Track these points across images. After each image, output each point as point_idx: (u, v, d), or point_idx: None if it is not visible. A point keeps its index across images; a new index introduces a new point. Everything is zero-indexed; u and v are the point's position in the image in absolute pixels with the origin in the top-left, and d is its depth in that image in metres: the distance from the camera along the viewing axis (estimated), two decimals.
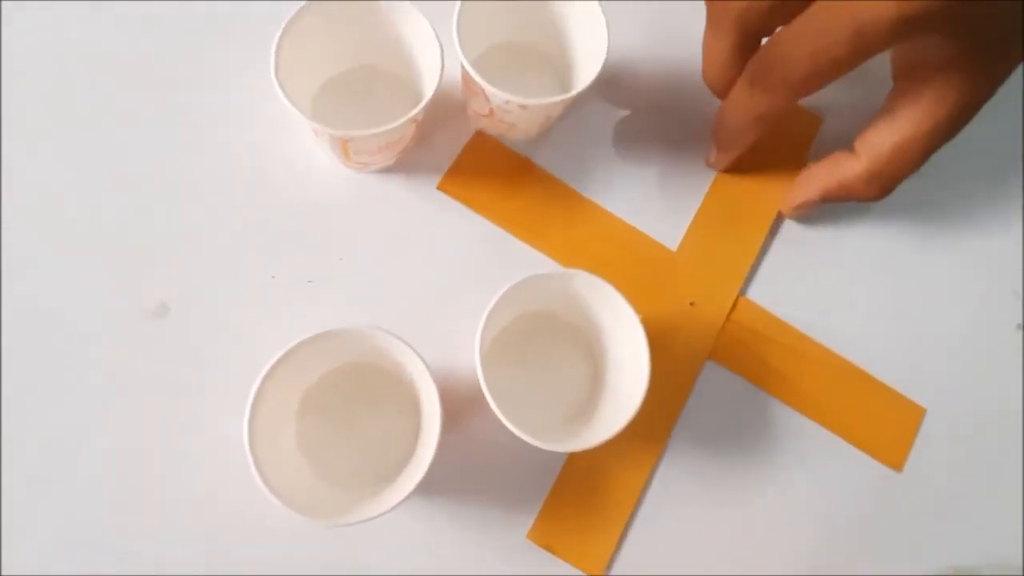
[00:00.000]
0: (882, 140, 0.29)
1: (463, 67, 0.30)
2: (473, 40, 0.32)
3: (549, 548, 0.30)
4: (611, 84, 0.36)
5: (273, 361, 0.25)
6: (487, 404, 0.26)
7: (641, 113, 0.36)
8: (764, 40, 0.28)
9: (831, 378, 0.33)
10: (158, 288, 0.31)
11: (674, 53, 0.37)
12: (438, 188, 0.33)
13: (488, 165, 0.33)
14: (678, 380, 0.32)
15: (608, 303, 0.28)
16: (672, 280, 0.33)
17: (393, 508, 0.24)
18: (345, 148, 0.30)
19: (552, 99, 0.30)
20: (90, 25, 0.34)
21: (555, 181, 0.34)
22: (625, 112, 0.36)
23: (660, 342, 0.31)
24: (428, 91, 0.29)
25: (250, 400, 0.25)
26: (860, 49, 0.24)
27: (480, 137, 0.33)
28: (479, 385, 0.26)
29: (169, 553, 0.29)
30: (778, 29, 0.27)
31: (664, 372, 0.31)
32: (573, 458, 0.31)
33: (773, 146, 0.34)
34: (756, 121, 0.29)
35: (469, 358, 0.27)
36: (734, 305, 0.33)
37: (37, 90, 0.33)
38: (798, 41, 0.25)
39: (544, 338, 0.32)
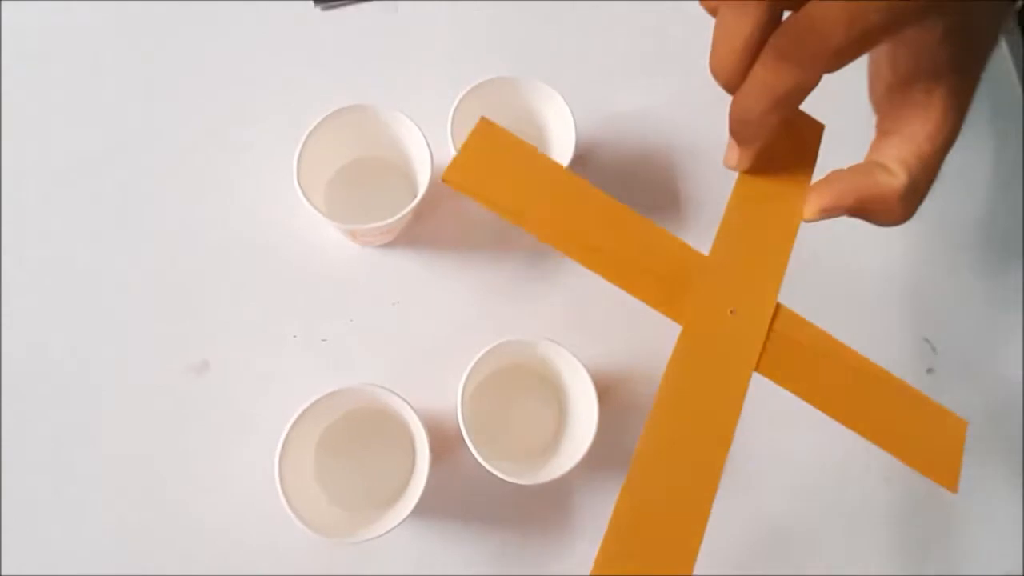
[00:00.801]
0: (910, 155, 0.27)
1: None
2: (465, 126, 0.38)
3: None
4: (584, 160, 0.43)
5: (297, 414, 0.31)
6: (475, 456, 0.32)
7: (614, 184, 0.43)
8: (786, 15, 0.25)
9: (873, 390, 0.30)
10: (200, 348, 0.37)
11: (631, 137, 0.43)
12: (443, 180, 0.26)
13: (497, 155, 0.28)
14: (727, 395, 0.28)
15: (567, 362, 0.35)
16: (709, 286, 0.29)
17: (391, 530, 0.31)
18: (353, 234, 0.36)
19: None
20: (151, 118, 0.41)
21: (580, 182, 0.28)
22: (600, 185, 0.42)
23: (701, 353, 0.28)
24: (422, 184, 0.36)
25: (279, 444, 0.31)
26: (896, 15, 0.22)
27: (486, 124, 0.28)
28: (464, 434, 0.32)
29: (203, 566, 0.35)
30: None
31: (708, 387, 0.28)
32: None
33: (780, 153, 0.31)
34: (782, 102, 0.25)
35: (456, 404, 0.34)
36: (775, 314, 0.29)
37: (105, 174, 0.40)
38: (832, 8, 0.23)
39: (517, 387, 0.38)
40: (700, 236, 0.44)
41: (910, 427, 0.30)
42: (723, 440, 0.27)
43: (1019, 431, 0.43)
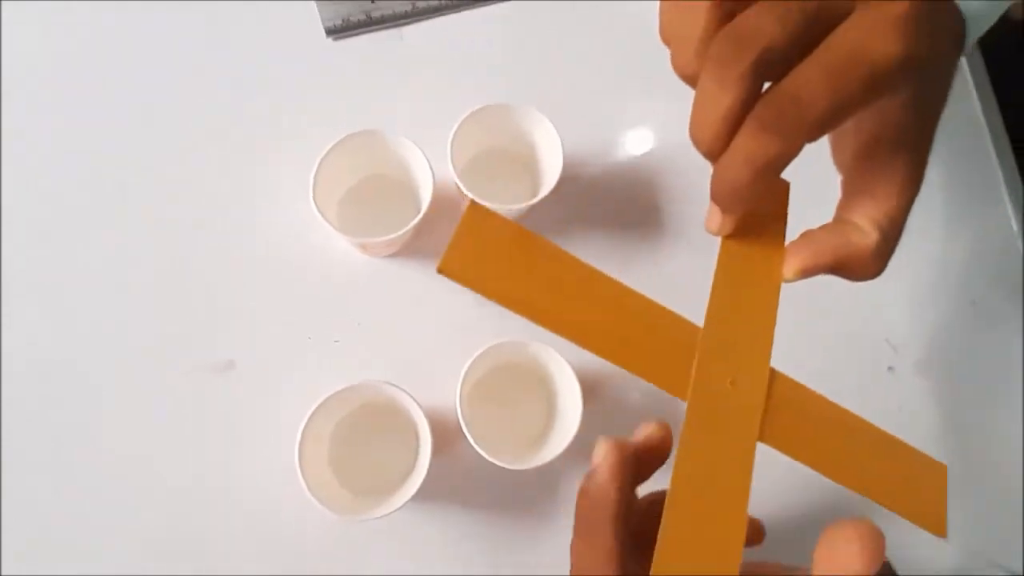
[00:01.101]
0: (880, 215, 0.28)
1: (455, 179, 0.40)
2: (464, 150, 0.42)
3: None
4: (573, 178, 0.47)
5: (314, 407, 0.36)
6: (472, 443, 0.36)
7: (600, 202, 0.47)
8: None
9: (861, 446, 0.30)
10: (226, 349, 0.41)
11: (617, 156, 0.47)
12: (439, 271, 0.26)
13: (490, 241, 0.27)
14: (738, 467, 0.27)
15: (556, 362, 0.39)
16: (706, 359, 0.28)
17: (396, 511, 0.35)
18: (363, 246, 0.40)
19: (520, 205, 0.40)
20: (182, 144, 0.45)
21: (568, 255, 0.28)
22: (587, 203, 0.47)
23: (709, 428, 0.27)
24: (424, 200, 0.40)
25: (299, 434, 0.35)
26: (874, 85, 0.23)
27: (476, 211, 0.27)
28: (463, 425, 0.37)
29: (233, 539, 0.39)
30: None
31: (720, 461, 0.27)
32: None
33: (755, 213, 0.31)
34: (766, 171, 0.25)
35: (455, 400, 0.38)
36: (771, 381, 0.29)
37: (138, 196, 0.44)
38: (813, 79, 0.23)
39: (511, 385, 0.42)
40: (682, 249, 0.49)
41: (898, 478, 0.30)
42: (740, 510, 0.27)
43: (974, 424, 0.47)
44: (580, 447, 0.40)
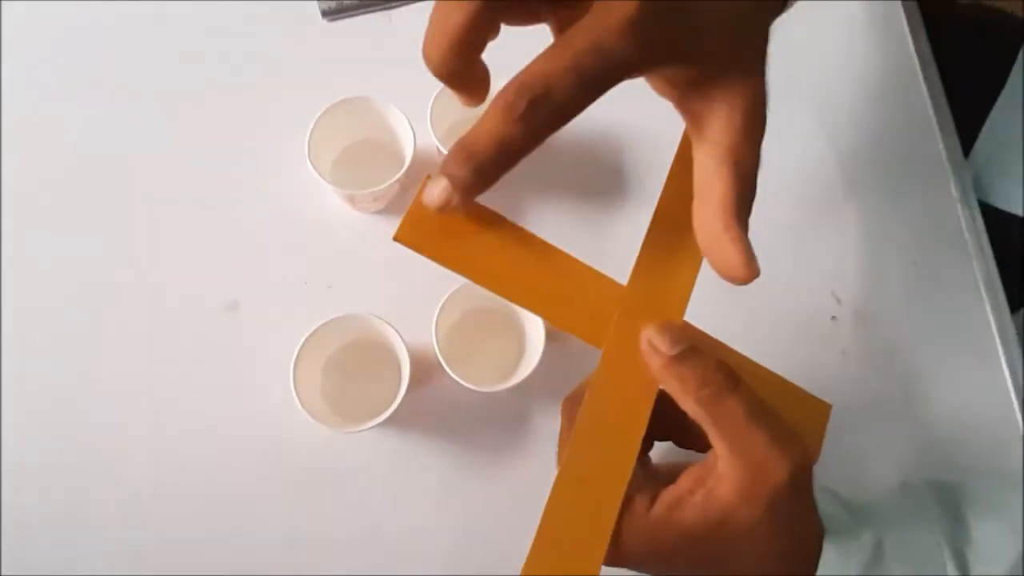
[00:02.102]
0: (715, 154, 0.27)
1: (436, 142, 0.45)
2: (445, 117, 0.47)
3: None
4: (545, 145, 0.51)
5: (307, 334, 0.41)
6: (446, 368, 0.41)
7: (569, 165, 0.51)
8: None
9: (761, 384, 0.32)
10: (232, 291, 0.47)
11: (591, 122, 0.52)
12: (394, 239, 0.30)
13: (440, 214, 0.29)
14: (638, 409, 0.31)
15: None
16: (627, 313, 0.31)
17: (376, 424, 0.40)
18: (352, 199, 0.46)
19: None
20: (192, 107, 0.50)
21: (514, 227, 0.31)
22: (558, 165, 0.51)
23: (618, 373, 0.30)
24: (407, 160, 0.45)
25: (293, 359, 0.40)
26: (613, 81, 0.25)
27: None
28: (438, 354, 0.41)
29: (236, 455, 0.44)
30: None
31: (622, 404, 0.30)
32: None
33: (687, 186, 0.30)
34: (512, 156, 0.25)
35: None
36: None
37: (153, 156, 0.49)
38: (563, 75, 0.24)
39: (486, 324, 0.47)
40: (641, 207, 0.53)
41: (783, 411, 0.32)
42: (632, 446, 0.30)
43: (912, 371, 0.51)
44: (544, 383, 0.45)
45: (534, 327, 0.43)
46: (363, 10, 0.53)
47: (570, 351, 0.47)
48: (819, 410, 0.37)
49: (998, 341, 0.50)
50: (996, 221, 0.54)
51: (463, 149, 0.25)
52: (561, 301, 0.31)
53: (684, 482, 0.30)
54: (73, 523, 0.43)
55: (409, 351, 0.41)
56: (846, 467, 0.48)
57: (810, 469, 0.29)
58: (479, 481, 0.46)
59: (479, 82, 0.29)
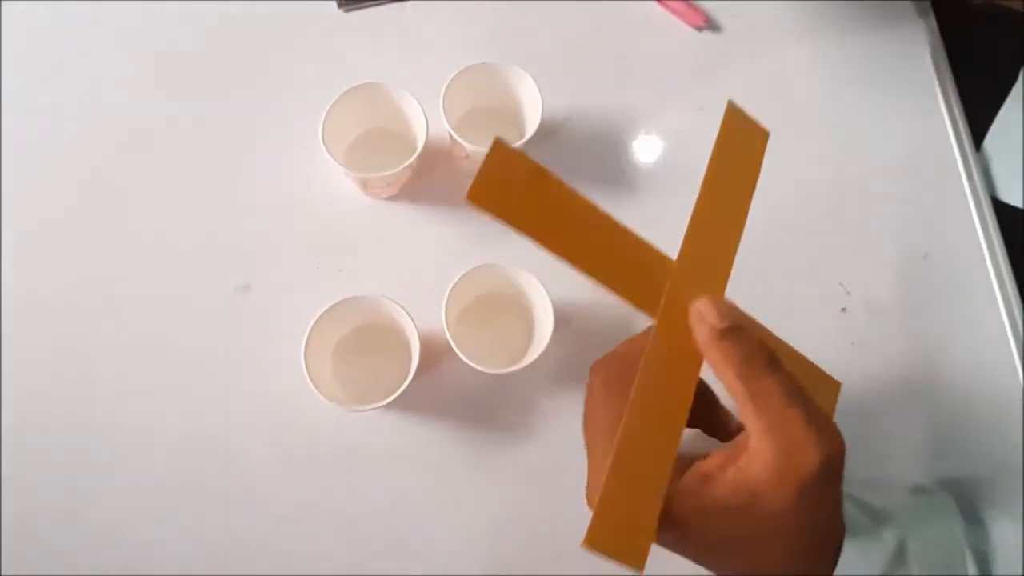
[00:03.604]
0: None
1: (448, 128, 0.46)
2: (458, 105, 0.48)
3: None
4: (551, 133, 0.52)
5: (319, 314, 0.41)
6: (456, 352, 0.42)
7: (579, 153, 0.52)
8: None
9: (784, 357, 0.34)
10: (245, 274, 0.47)
11: (596, 112, 0.53)
12: (468, 198, 0.29)
13: (509, 174, 0.31)
14: (688, 374, 0.32)
15: (532, 286, 0.44)
16: (675, 288, 0.33)
17: (381, 406, 0.40)
18: (364, 184, 0.46)
19: None
20: (211, 96, 0.51)
21: (572, 191, 0.32)
22: (568, 153, 0.52)
23: (671, 342, 0.32)
24: (419, 146, 0.45)
25: (304, 337, 0.41)
26: None
27: (502, 151, 0.30)
28: (448, 336, 0.42)
29: (248, 435, 0.45)
30: None
31: (676, 369, 0.32)
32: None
33: (732, 158, 0.36)
34: None
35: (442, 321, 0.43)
36: None
37: (171, 142, 0.50)
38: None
39: (495, 309, 0.48)
40: (648, 200, 0.54)
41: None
42: (681, 414, 0.31)
43: (922, 363, 0.51)
44: (552, 366, 0.45)
45: (543, 312, 0.44)
46: (378, 0, 0.54)
47: (578, 336, 0.48)
48: (830, 386, 0.38)
49: (1009, 334, 0.50)
50: (1006, 216, 0.54)
51: None
52: (615, 268, 0.32)
53: (715, 459, 0.29)
54: (83, 504, 0.44)
55: (420, 334, 0.42)
56: (856, 456, 0.48)
57: (842, 459, 0.28)
58: (487, 462, 0.46)
59: None
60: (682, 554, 0.30)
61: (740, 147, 0.37)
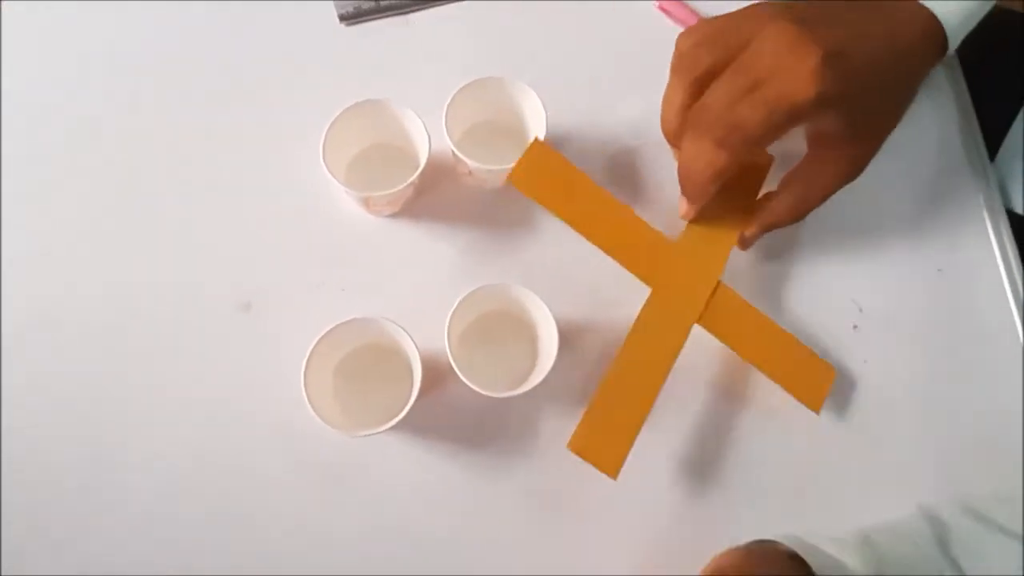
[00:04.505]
0: (801, 186, 0.43)
1: (451, 145, 0.45)
2: (461, 121, 0.47)
3: (581, 453, 0.39)
4: (556, 147, 0.51)
5: (320, 336, 0.40)
6: (458, 372, 0.41)
7: (584, 169, 0.51)
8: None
9: (771, 339, 0.45)
10: (245, 292, 0.47)
11: (599, 128, 0.52)
12: (508, 179, 0.42)
13: (547, 169, 0.43)
14: (676, 335, 0.42)
15: (536, 305, 0.43)
16: (673, 264, 0.44)
17: (384, 430, 0.39)
18: (366, 202, 0.45)
19: (506, 166, 0.45)
20: (213, 109, 0.51)
21: (595, 187, 0.44)
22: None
23: (663, 308, 0.42)
24: (421, 162, 0.44)
25: (304, 360, 0.40)
26: (794, 120, 0.36)
27: (538, 146, 0.43)
28: (450, 358, 0.41)
29: (247, 456, 0.44)
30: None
31: (665, 329, 0.42)
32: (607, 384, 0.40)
33: (734, 180, 0.44)
34: (720, 174, 0.38)
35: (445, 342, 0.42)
36: (716, 287, 0.44)
37: (171, 160, 0.50)
38: (753, 113, 0.35)
39: (499, 328, 0.47)
40: (653, 210, 0.53)
41: (793, 366, 0.44)
42: (668, 360, 0.41)
43: (935, 381, 0.49)
44: (557, 388, 0.44)
45: (547, 332, 0.43)
46: (380, 14, 0.53)
47: (583, 357, 0.47)
48: (825, 372, 0.45)
49: None
50: (1021, 229, 0.53)
51: (686, 178, 0.41)
52: (622, 243, 0.43)
53: None
54: (79, 524, 0.43)
55: (422, 355, 0.41)
56: (867, 475, 0.47)
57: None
58: (490, 487, 0.45)
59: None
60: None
61: (748, 168, 0.46)
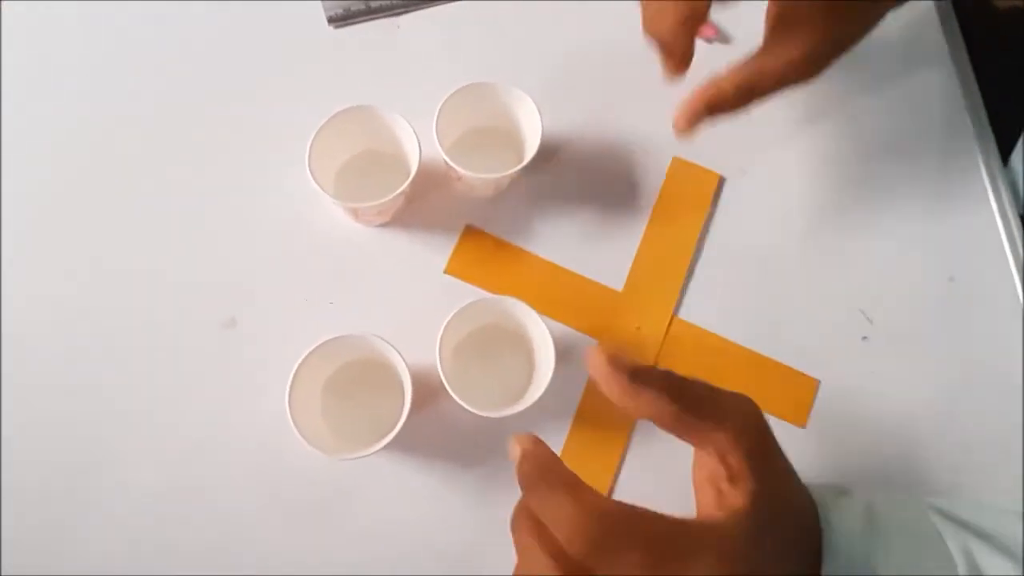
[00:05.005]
0: (754, 65, 0.37)
1: (442, 153, 0.43)
2: (453, 126, 0.45)
3: None
4: (551, 154, 0.49)
5: (305, 353, 0.39)
6: (450, 392, 0.39)
7: (577, 177, 0.49)
8: None
9: (743, 366, 0.44)
10: (229, 308, 0.45)
11: (598, 133, 0.50)
12: (445, 272, 0.46)
13: (482, 253, 0.46)
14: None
15: (532, 319, 0.41)
16: (622, 313, 0.45)
17: (373, 452, 0.38)
18: (355, 212, 0.44)
19: (497, 174, 0.43)
20: (196, 117, 0.49)
21: (532, 256, 0.46)
22: (566, 177, 0.49)
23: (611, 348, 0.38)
24: (412, 170, 0.43)
25: (290, 380, 0.38)
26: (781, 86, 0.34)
27: (471, 232, 0.46)
28: (442, 376, 0.39)
29: (232, 476, 0.42)
30: None
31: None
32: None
33: (680, 197, 0.46)
34: (687, 21, 0.35)
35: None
36: (670, 324, 0.45)
37: (152, 170, 0.48)
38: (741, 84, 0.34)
39: (493, 343, 0.45)
40: (646, 218, 0.51)
41: (770, 387, 0.44)
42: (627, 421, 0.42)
43: (946, 393, 0.48)
44: (552, 405, 0.43)
45: (543, 346, 0.41)
46: (370, 17, 0.51)
47: (579, 372, 0.45)
48: (807, 386, 0.45)
49: None
50: None
51: (652, 34, 0.37)
52: (568, 305, 0.45)
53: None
54: (67, 548, 0.42)
55: (412, 372, 0.39)
56: (877, 489, 0.45)
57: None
58: (482, 508, 0.43)
59: (690, 56, 0.37)
60: None
61: (687, 190, 0.47)
